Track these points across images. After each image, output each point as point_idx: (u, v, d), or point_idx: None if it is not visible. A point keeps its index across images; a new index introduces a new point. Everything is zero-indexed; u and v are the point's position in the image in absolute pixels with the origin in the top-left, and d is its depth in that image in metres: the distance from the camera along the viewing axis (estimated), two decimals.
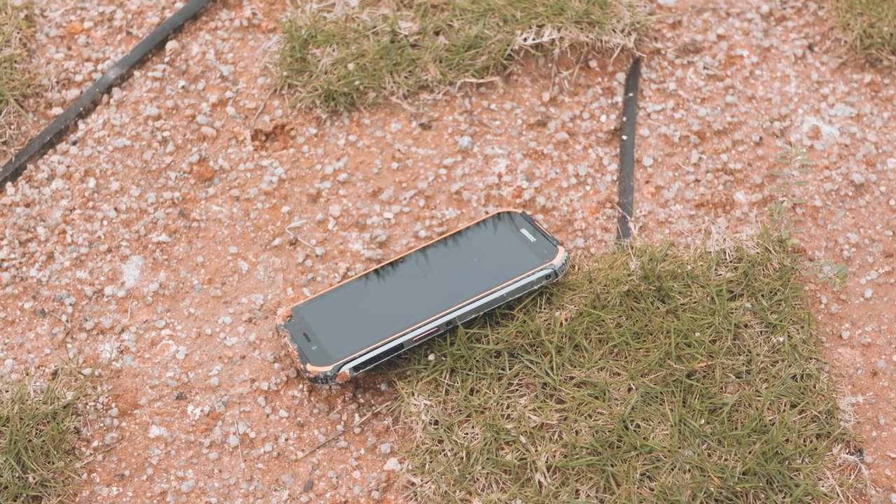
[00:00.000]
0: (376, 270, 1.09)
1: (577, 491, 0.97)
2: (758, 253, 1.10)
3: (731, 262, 1.10)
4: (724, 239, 1.11)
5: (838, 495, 0.98)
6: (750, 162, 1.19)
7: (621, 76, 1.24)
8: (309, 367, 1.02)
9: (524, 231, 1.09)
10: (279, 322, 1.06)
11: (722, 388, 1.02)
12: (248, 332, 1.09)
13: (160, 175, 1.17)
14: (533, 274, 1.05)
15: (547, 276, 1.05)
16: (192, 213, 1.15)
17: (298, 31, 1.23)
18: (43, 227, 1.14)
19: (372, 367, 1.02)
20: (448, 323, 1.03)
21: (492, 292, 1.04)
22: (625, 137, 1.19)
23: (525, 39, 1.22)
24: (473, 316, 1.04)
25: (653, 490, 0.97)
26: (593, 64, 1.25)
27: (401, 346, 1.02)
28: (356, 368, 1.02)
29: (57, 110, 1.21)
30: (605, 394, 1.01)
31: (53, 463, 1.00)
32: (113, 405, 1.05)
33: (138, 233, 1.14)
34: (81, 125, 1.20)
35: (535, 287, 1.05)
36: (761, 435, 1.00)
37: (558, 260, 1.06)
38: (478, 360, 1.03)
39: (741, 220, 1.15)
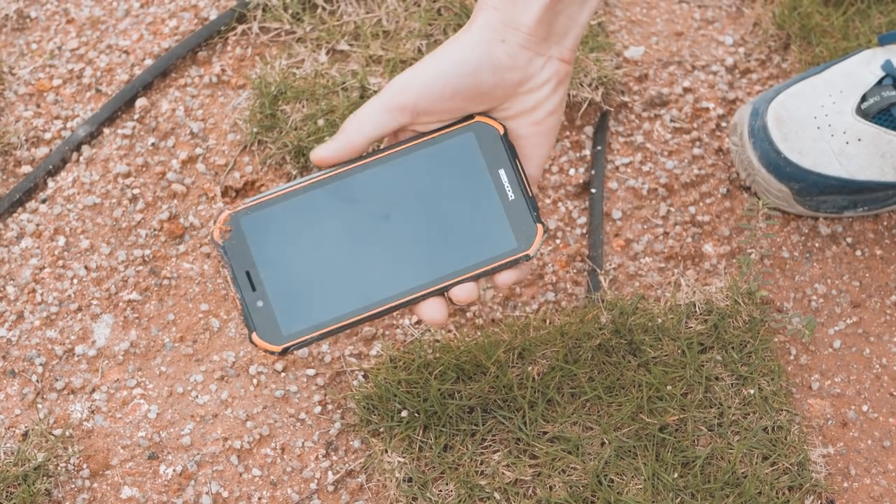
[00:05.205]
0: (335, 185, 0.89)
1: None
2: (727, 305, 1.11)
3: (701, 314, 1.11)
4: (694, 292, 1.12)
5: None
6: (718, 214, 1.20)
7: (589, 129, 1.25)
8: (255, 337, 0.87)
9: (502, 174, 0.89)
10: (217, 239, 0.88)
11: (694, 442, 1.03)
12: (220, 390, 1.08)
13: (130, 233, 1.17)
14: (503, 259, 0.89)
15: (517, 262, 0.90)
16: (162, 270, 1.15)
17: (268, 88, 1.23)
18: (12, 287, 1.13)
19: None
20: (407, 302, 0.89)
21: (455, 274, 0.89)
22: (594, 190, 1.20)
23: None
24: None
25: None
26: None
27: (355, 324, 0.88)
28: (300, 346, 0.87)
29: (26, 168, 1.20)
30: (578, 448, 1.01)
31: None
32: (84, 466, 1.04)
33: (109, 291, 1.13)
34: (51, 183, 1.20)
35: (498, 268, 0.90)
36: (734, 488, 1.00)
37: (534, 248, 0.89)
38: (451, 416, 1.03)
39: (710, 272, 1.16)
